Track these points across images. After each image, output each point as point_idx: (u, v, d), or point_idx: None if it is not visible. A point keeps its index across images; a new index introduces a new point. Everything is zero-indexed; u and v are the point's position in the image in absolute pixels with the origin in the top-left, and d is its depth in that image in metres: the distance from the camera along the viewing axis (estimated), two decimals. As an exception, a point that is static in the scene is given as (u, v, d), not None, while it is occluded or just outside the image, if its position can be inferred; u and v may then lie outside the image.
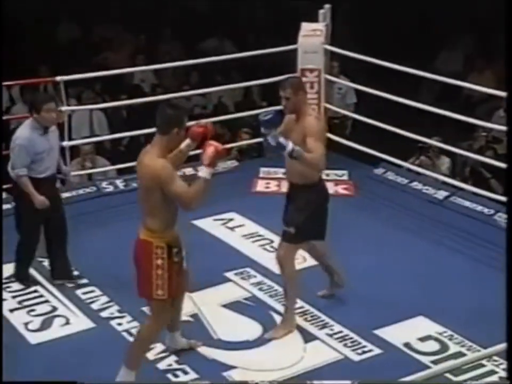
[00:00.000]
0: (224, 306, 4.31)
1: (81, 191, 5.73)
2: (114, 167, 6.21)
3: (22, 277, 4.52)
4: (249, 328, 4.09)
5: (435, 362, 3.84)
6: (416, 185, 5.89)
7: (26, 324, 4.13)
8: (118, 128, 6.74)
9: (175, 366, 3.80)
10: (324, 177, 5.92)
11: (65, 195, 5.64)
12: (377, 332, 4.06)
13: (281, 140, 3.73)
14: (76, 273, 4.59)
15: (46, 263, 4.71)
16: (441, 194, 5.72)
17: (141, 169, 3.47)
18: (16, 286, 4.49)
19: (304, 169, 3.86)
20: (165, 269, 3.47)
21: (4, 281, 4.52)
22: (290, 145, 3.72)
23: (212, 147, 3.40)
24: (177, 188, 3.37)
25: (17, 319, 4.17)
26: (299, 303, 4.31)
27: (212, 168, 3.40)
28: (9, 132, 7.42)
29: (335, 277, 4.31)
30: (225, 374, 3.76)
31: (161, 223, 3.47)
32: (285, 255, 3.99)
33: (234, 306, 4.30)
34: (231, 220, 5.30)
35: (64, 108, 5.83)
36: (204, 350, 3.91)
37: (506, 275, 3.33)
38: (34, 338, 4.01)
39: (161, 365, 3.82)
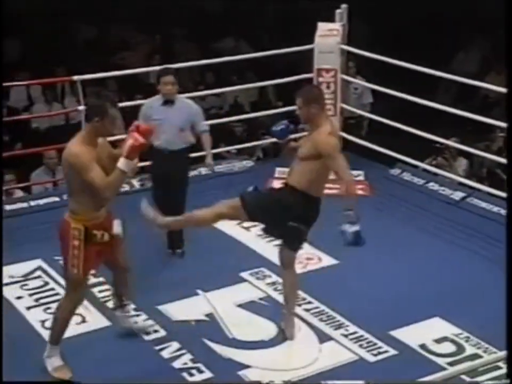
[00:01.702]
0: (240, 306, 4.31)
1: (97, 190, 5.75)
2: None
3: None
4: (264, 328, 4.09)
5: (451, 364, 3.82)
6: (432, 186, 5.87)
7: (43, 322, 4.15)
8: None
9: (190, 364, 3.81)
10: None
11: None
12: (392, 332, 4.05)
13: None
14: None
15: (62, 261, 4.74)
16: (458, 195, 5.70)
17: (63, 152, 3.61)
18: (32, 283, 4.52)
19: (315, 178, 3.80)
20: (80, 250, 3.59)
21: (20, 279, 4.56)
22: None
23: (131, 140, 3.45)
24: (90, 176, 3.46)
25: (34, 316, 4.20)
26: (315, 303, 4.31)
27: (130, 160, 3.45)
28: (30, 131, 7.52)
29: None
30: (240, 373, 3.77)
31: (80, 205, 3.59)
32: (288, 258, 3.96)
33: (249, 306, 4.31)
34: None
35: (80, 108, 5.86)
36: (219, 348, 3.92)
37: (506, 275, 3.31)
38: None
39: (177, 364, 3.83)
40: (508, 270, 3.51)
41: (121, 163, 3.46)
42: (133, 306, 4.27)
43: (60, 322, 3.71)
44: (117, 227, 3.74)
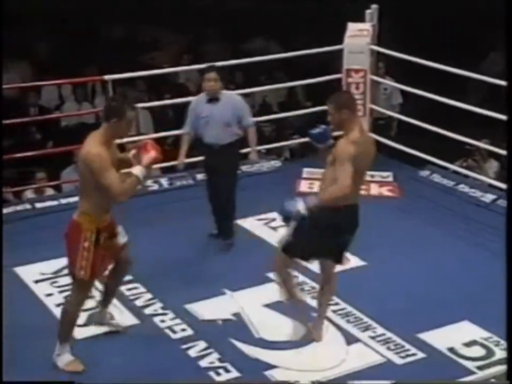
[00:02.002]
0: (266, 306, 4.31)
1: (126, 189, 5.79)
2: (159, 165, 6.26)
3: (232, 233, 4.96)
4: (291, 329, 4.08)
5: (480, 368, 3.78)
6: (462, 187, 5.81)
7: (71, 319, 4.18)
8: (163, 127, 6.81)
9: (217, 364, 3.82)
10: (369, 178, 5.99)
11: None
12: (421, 335, 4.01)
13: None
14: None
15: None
16: (488, 197, 5.63)
17: (80, 150, 3.60)
18: (62, 281, 4.57)
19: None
20: (90, 252, 3.59)
21: (51, 276, 4.61)
22: None
23: (153, 152, 3.54)
24: (107, 179, 3.46)
25: (63, 313, 4.23)
26: (342, 304, 4.29)
27: (147, 170, 3.53)
28: (60, 129, 7.61)
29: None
30: (266, 373, 3.76)
31: (93, 206, 3.58)
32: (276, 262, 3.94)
33: (276, 306, 4.29)
34: (273, 219, 5.29)
35: (111, 107, 5.91)
36: (246, 348, 3.92)
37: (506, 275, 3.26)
38: (79, 334, 4.06)
39: (203, 363, 3.83)
40: (508, 270, 3.45)
41: (140, 171, 3.51)
42: (160, 305, 4.30)
43: (67, 321, 3.73)
44: (123, 235, 3.81)
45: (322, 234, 3.67)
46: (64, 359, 3.74)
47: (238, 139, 4.84)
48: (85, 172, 3.52)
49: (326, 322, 4.11)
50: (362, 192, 5.72)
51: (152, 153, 3.53)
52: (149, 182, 5.90)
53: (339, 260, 3.89)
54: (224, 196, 4.83)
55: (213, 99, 4.75)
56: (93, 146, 3.50)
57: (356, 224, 3.78)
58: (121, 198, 3.51)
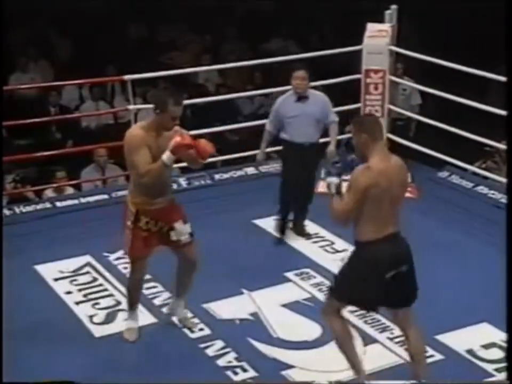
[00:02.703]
0: (284, 306, 4.31)
1: (145, 188, 5.82)
2: (178, 165, 6.29)
3: (281, 229, 5.03)
4: (308, 329, 4.08)
5: (499, 370, 3.75)
6: (481, 189, 5.77)
7: (91, 317, 4.22)
8: (183, 127, 6.83)
9: (235, 363, 3.83)
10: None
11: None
12: (439, 337, 3.99)
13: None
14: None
15: (111, 257, 4.82)
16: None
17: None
18: (81, 279, 4.60)
19: (357, 218, 3.34)
20: (130, 230, 3.81)
21: (70, 274, 4.64)
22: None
23: (179, 138, 3.61)
24: (136, 158, 3.63)
25: (82, 311, 4.27)
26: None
27: (173, 155, 3.60)
28: (80, 129, 7.66)
29: None
30: (283, 373, 3.76)
31: (135, 188, 3.77)
32: (324, 309, 3.58)
33: (293, 306, 4.30)
34: (291, 220, 5.30)
35: (131, 107, 5.94)
36: (263, 348, 3.93)
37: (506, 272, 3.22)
38: (98, 331, 4.10)
39: (221, 362, 3.85)
40: (508, 270, 3.41)
41: (165, 156, 3.61)
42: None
43: (128, 293, 4.02)
44: (181, 233, 3.86)
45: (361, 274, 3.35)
46: (128, 324, 4.02)
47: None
48: (126, 153, 3.70)
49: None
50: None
51: (177, 139, 3.59)
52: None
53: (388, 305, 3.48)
54: (309, 190, 5.02)
55: (302, 97, 4.84)
56: (133, 129, 3.73)
57: (395, 259, 3.37)
58: (145, 178, 3.64)
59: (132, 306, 4.03)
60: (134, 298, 4.02)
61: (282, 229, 5.06)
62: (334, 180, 3.37)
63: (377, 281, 3.34)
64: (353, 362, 3.56)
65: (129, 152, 3.66)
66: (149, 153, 3.63)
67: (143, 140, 3.63)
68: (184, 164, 6.07)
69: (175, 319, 4.13)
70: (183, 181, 5.93)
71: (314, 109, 4.86)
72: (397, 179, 3.37)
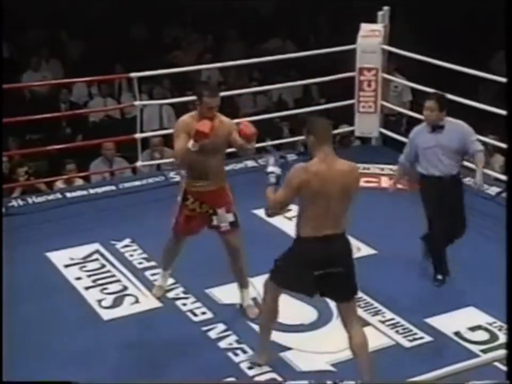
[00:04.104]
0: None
1: (150, 180, 5.82)
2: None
3: (442, 270, 4.37)
4: (305, 313, 4.08)
5: (484, 351, 3.76)
6: (469, 180, 5.75)
7: (99, 301, 4.22)
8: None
9: (235, 345, 3.83)
10: (379, 171, 5.97)
11: (135, 183, 5.78)
12: (428, 320, 4.00)
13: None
14: (144, 255, 4.68)
15: (118, 245, 4.82)
16: (494, 190, 5.58)
17: None
18: (91, 265, 4.60)
19: (300, 215, 3.37)
20: (178, 206, 3.97)
21: (80, 261, 4.64)
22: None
23: (198, 126, 3.72)
24: (175, 141, 3.82)
25: (91, 296, 4.27)
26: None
27: (195, 142, 3.72)
28: (88, 124, 7.65)
29: None
30: (281, 354, 3.77)
31: (186, 170, 3.94)
32: (264, 286, 3.59)
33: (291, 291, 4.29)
34: (289, 210, 5.28)
35: (136, 103, 5.93)
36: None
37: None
38: (106, 315, 4.10)
39: (223, 344, 3.85)
40: (508, 271, 3.39)
41: (190, 142, 3.75)
42: (182, 289, 4.32)
43: (163, 256, 4.20)
44: (220, 218, 3.91)
45: (293, 264, 3.38)
46: (157, 282, 4.23)
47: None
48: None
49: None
50: (373, 185, 5.77)
51: (196, 126, 3.71)
52: (172, 174, 5.92)
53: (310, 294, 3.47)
54: (462, 225, 4.39)
55: (437, 127, 4.28)
56: (184, 116, 3.90)
57: (328, 259, 3.33)
58: (175, 160, 3.95)
59: (164, 268, 4.21)
60: (166, 262, 4.19)
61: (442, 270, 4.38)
62: (276, 170, 3.43)
63: (307, 275, 3.34)
64: (263, 343, 3.60)
65: (173, 135, 3.86)
66: (187, 139, 3.75)
67: (185, 126, 3.80)
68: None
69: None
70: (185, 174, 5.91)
71: (451, 140, 4.25)
72: (337, 183, 3.28)
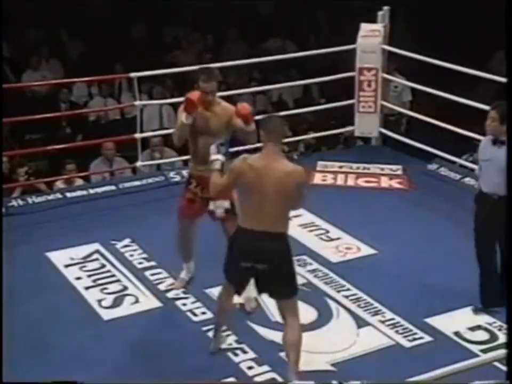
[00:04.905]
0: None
1: (150, 180, 5.82)
2: (181, 158, 6.28)
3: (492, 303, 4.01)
4: (305, 313, 4.06)
5: (484, 351, 3.76)
6: (468, 180, 5.76)
7: (99, 301, 4.21)
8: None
9: (235, 345, 3.83)
10: (379, 171, 5.97)
11: (135, 183, 5.78)
12: (428, 320, 4.00)
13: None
14: (144, 255, 4.68)
15: (118, 245, 4.82)
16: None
17: None
18: (91, 265, 4.60)
19: (239, 206, 3.57)
20: (183, 190, 4.15)
21: (80, 261, 4.64)
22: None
23: (187, 95, 3.91)
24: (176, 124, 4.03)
25: (91, 296, 4.27)
26: (353, 290, 4.28)
27: (188, 115, 3.88)
28: (88, 124, 7.66)
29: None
30: (281, 354, 3.75)
31: (191, 154, 4.08)
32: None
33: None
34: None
35: (136, 103, 5.93)
36: (262, 330, 3.93)
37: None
38: (106, 315, 4.10)
39: (222, 344, 3.84)
40: (508, 272, 3.38)
41: (183, 115, 3.91)
42: (182, 289, 4.32)
43: (177, 244, 4.24)
44: (215, 204, 3.96)
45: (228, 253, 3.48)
46: (180, 274, 4.30)
47: None
48: None
49: (337, 307, 4.11)
50: (373, 184, 5.78)
51: (187, 95, 3.90)
52: (172, 174, 5.92)
53: (238, 289, 3.50)
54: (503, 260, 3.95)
55: (498, 141, 3.90)
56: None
57: (255, 253, 3.36)
58: (174, 138, 4.06)
59: (185, 260, 4.29)
60: (184, 253, 4.27)
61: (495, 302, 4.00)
62: (220, 157, 3.55)
63: (235, 264, 3.43)
64: (216, 328, 3.72)
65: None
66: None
67: (183, 112, 3.93)
68: (187, 157, 6.09)
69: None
70: (186, 173, 5.90)
71: (505, 158, 3.81)
72: (272, 182, 3.30)
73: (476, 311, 4.07)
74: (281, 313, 3.49)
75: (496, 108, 3.95)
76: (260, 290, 3.49)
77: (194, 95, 3.91)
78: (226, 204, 3.96)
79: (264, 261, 3.36)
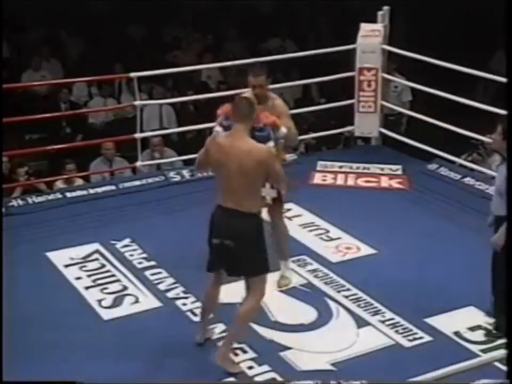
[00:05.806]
0: (282, 291, 4.31)
1: (150, 180, 5.82)
2: (181, 158, 6.28)
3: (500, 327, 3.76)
4: (305, 313, 4.08)
5: (484, 351, 3.76)
6: (468, 180, 5.76)
7: (99, 301, 4.21)
8: (186, 122, 6.82)
9: (235, 345, 3.82)
10: (378, 171, 5.98)
11: (135, 183, 5.78)
12: (427, 320, 3.99)
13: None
14: (144, 254, 4.68)
15: (118, 245, 4.82)
16: (492, 189, 5.56)
17: None
18: (90, 265, 4.60)
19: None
20: None
21: (80, 261, 4.64)
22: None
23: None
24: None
25: (91, 296, 4.27)
26: (353, 290, 4.28)
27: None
28: (87, 124, 7.66)
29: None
30: (281, 354, 3.77)
31: None
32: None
33: (291, 291, 4.30)
34: (289, 209, 5.29)
35: (136, 103, 5.93)
36: (262, 330, 3.92)
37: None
38: (106, 315, 4.10)
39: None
40: (507, 273, 3.37)
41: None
42: (182, 289, 4.32)
43: (279, 246, 4.27)
44: (265, 191, 3.98)
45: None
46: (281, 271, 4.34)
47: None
48: None
49: (337, 307, 4.11)
50: (373, 184, 5.78)
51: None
52: (171, 174, 5.92)
53: (209, 266, 3.62)
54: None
55: (504, 158, 3.68)
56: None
57: (224, 229, 3.49)
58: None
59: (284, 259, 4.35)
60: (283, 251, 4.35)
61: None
62: (271, 144, 3.77)
63: (210, 242, 3.57)
64: (202, 317, 3.77)
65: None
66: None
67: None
68: (187, 157, 6.09)
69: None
70: (186, 173, 5.93)
71: (499, 177, 3.65)
72: (235, 160, 3.44)
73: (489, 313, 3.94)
74: (245, 289, 3.61)
75: (501, 123, 3.75)
76: (226, 266, 3.57)
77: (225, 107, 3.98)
78: (273, 192, 4.07)
79: (232, 238, 3.48)
